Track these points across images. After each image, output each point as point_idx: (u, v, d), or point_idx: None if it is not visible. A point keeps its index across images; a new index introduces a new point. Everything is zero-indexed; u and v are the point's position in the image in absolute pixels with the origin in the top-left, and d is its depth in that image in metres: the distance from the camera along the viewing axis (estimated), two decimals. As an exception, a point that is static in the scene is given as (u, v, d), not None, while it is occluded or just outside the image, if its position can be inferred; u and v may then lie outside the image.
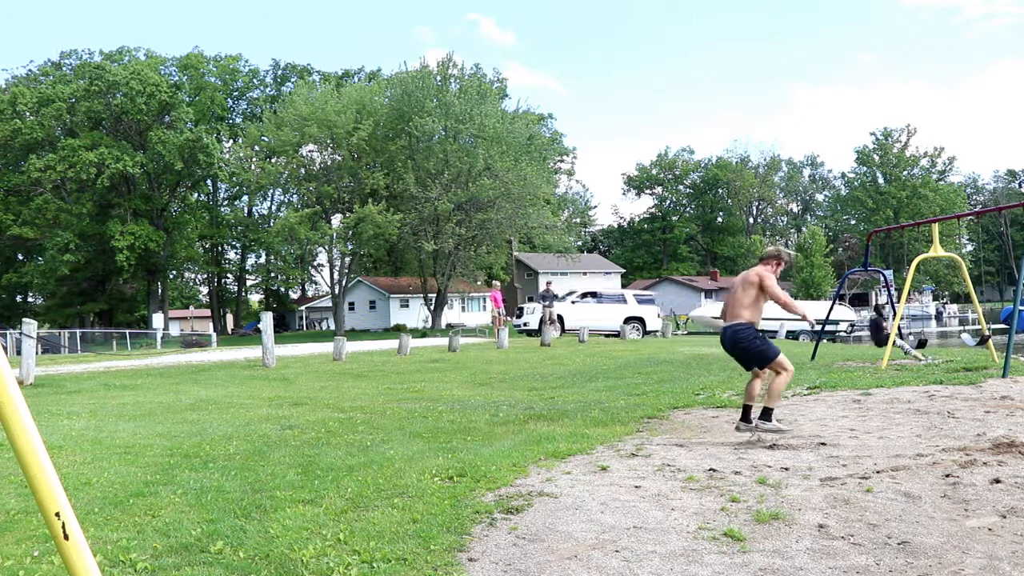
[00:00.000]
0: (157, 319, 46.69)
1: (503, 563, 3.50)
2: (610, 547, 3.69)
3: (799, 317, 6.53)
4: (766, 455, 5.72)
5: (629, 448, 6.12)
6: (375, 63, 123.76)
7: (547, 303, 24.47)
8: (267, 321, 15.83)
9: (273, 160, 47.28)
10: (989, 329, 12.45)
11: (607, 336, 26.01)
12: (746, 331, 6.31)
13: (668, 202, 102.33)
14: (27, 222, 48.92)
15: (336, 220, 45.80)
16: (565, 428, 7.16)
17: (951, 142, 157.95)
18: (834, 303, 16.29)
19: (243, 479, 5.23)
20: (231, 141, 59.68)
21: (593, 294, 30.19)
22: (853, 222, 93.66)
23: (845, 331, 29.34)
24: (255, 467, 5.63)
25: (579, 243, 78.83)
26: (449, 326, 45.42)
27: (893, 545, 3.62)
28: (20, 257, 55.92)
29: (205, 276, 68.31)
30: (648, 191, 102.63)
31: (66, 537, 1.91)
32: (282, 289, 71.73)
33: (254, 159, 52.24)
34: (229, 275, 67.53)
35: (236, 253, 66.23)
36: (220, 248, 64.55)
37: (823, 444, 6.05)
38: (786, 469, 5.22)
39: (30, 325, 13.55)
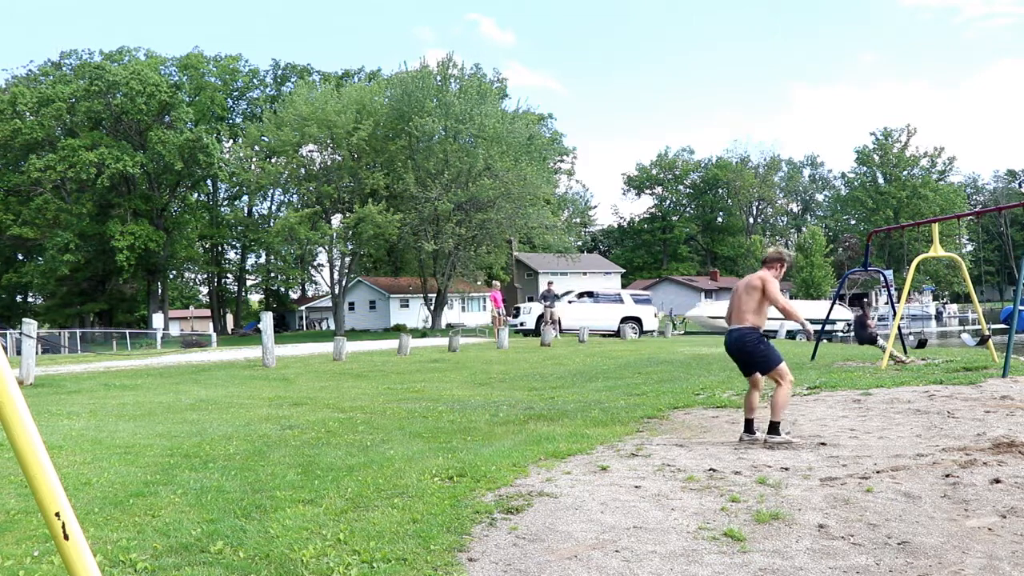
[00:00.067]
0: (157, 319, 46.69)
1: (503, 563, 3.50)
2: (610, 547, 3.69)
3: (798, 324, 6.53)
4: (766, 455, 5.72)
5: (629, 448, 6.12)
6: (375, 63, 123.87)
7: (548, 303, 24.44)
8: (267, 321, 15.83)
9: (273, 160, 47.29)
10: (989, 329, 12.45)
11: (604, 336, 25.99)
12: (751, 336, 6.31)
13: (668, 202, 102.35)
14: (27, 222, 48.93)
15: (336, 220, 45.81)
16: (565, 428, 7.16)
17: (951, 142, 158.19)
18: (834, 303, 16.30)
19: (243, 479, 5.23)
20: (231, 141, 59.69)
21: (590, 294, 30.16)
22: (853, 222, 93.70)
23: (842, 331, 29.36)
24: (255, 467, 5.63)
25: (579, 243, 78.83)
26: (449, 326, 45.42)
27: (893, 545, 3.62)
28: (20, 257, 55.93)
29: (205, 276, 68.34)
30: (648, 191, 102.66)
31: (66, 537, 1.91)
32: (282, 289, 71.74)
33: (254, 159, 52.25)
34: (229, 275, 67.56)
35: (236, 253, 66.27)
36: (220, 248, 64.57)
37: (823, 444, 6.05)
38: (786, 469, 5.22)
39: (30, 325, 13.55)
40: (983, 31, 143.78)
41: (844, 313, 28.60)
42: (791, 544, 3.67)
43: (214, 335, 44.13)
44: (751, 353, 6.34)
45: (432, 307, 46.75)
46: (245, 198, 62.59)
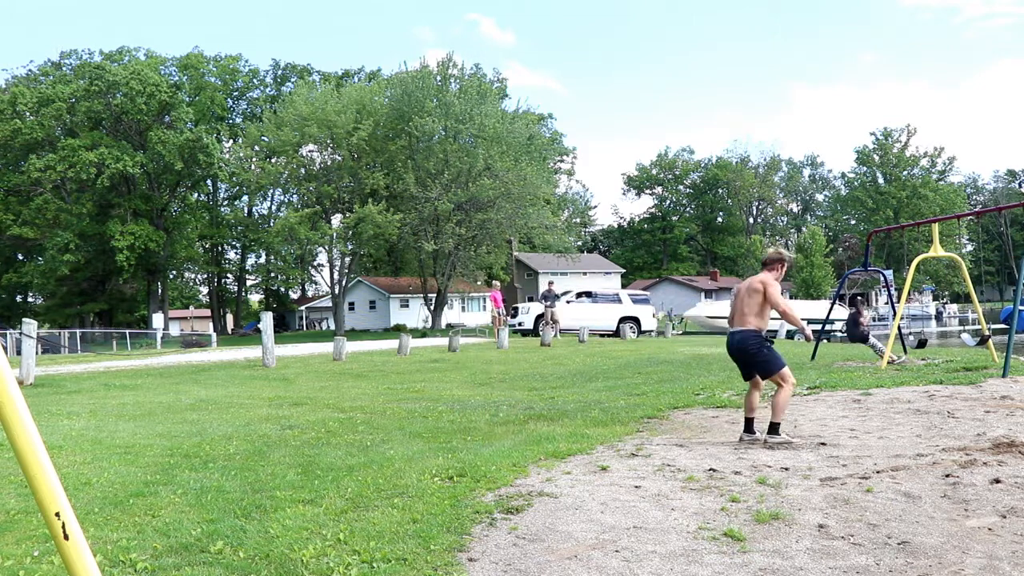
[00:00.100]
0: (157, 319, 46.70)
1: (503, 563, 3.50)
2: (610, 547, 3.69)
3: (798, 328, 6.53)
4: (766, 455, 5.72)
5: (629, 448, 6.12)
6: (375, 63, 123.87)
7: (549, 303, 24.43)
8: (267, 321, 15.83)
9: (273, 160, 47.29)
10: (989, 329, 12.45)
11: (602, 336, 25.98)
12: (754, 339, 6.31)
13: (668, 202, 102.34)
14: (27, 222, 48.93)
15: (336, 220, 45.81)
16: (565, 428, 7.16)
17: (951, 142, 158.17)
18: (834, 303, 16.30)
19: (243, 479, 5.23)
20: (231, 141, 59.70)
21: (588, 294, 30.11)
22: (853, 222, 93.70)
23: (841, 331, 29.38)
24: (255, 467, 5.63)
25: (579, 243, 78.82)
26: (449, 326, 45.42)
27: (893, 545, 3.62)
28: (20, 257, 55.93)
29: (205, 276, 68.34)
30: (648, 191, 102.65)
31: (66, 537, 1.91)
32: (282, 289, 71.74)
33: (254, 159, 52.26)
34: (229, 275, 67.55)
35: (236, 253, 66.27)
36: (220, 248, 64.57)
37: (823, 444, 6.05)
38: (786, 469, 5.22)
39: (30, 325, 13.55)
40: (983, 31, 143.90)
41: (844, 313, 28.62)
42: (791, 544, 3.67)
43: (214, 335, 44.13)
44: (753, 356, 6.33)
45: (432, 307, 46.75)
46: (245, 198, 62.63)
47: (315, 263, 61.43)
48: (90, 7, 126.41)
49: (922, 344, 13.95)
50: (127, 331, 44.11)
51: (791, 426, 6.82)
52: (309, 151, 45.72)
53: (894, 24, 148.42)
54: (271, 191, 58.18)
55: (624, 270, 78.25)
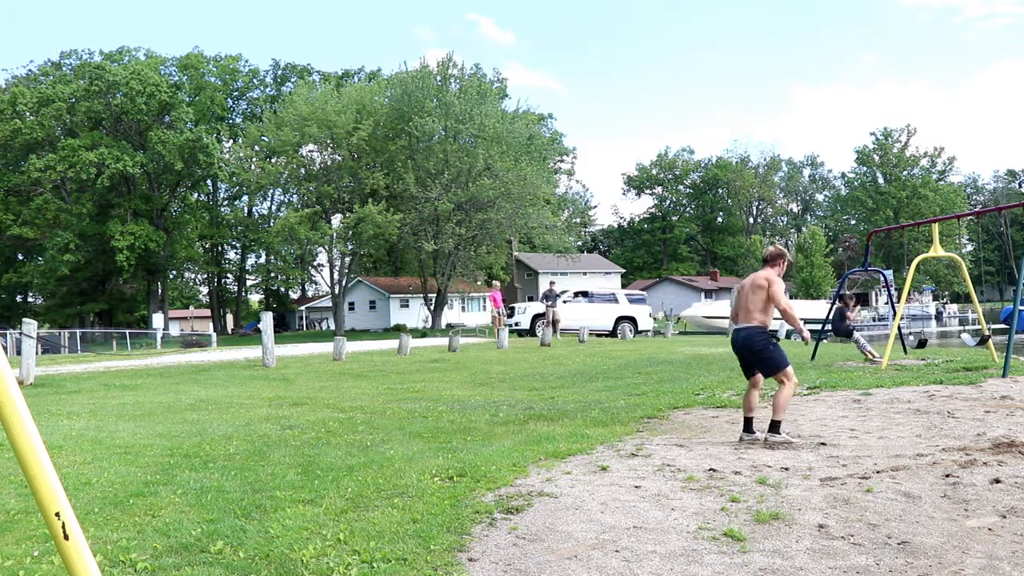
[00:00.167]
0: (157, 319, 46.69)
1: (503, 563, 3.50)
2: (610, 547, 3.69)
3: (795, 329, 6.53)
4: (766, 455, 5.72)
5: (629, 448, 6.12)
6: (375, 63, 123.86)
7: (550, 303, 24.43)
8: (267, 321, 15.83)
9: (273, 160, 47.30)
10: (989, 329, 12.45)
11: (598, 335, 25.97)
12: (759, 335, 6.32)
13: (668, 202, 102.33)
14: (27, 222, 48.93)
15: (336, 220, 45.81)
16: (565, 428, 7.16)
17: (951, 142, 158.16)
18: (834, 303, 16.29)
19: (243, 479, 5.23)
20: (231, 141, 59.71)
21: (584, 293, 30.08)
22: (853, 222, 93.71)
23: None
24: (255, 467, 5.63)
25: (579, 243, 78.82)
26: (449, 326, 45.42)
27: (893, 545, 3.62)
28: (20, 257, 55.93)
29: (205, 276, 68.35)
30: (648, 191, 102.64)
31: (66, 537, 1.91)
32: (282, 289, 71.74)
33: (254, 159, 52.26)
34: (229, 275, 67.56)
35: (236, 253, 66.28)
36: (220, 248, 64.57)
37: (823, 444, 6.05)
38: (786, 469, 5.22)
39: (30, 325, 13.55)
40: (983, 31, 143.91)
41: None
42: (791, 544, 3.67)
43: (214, 335, 44.13)
44: (759, 353, 6.33)
45: (432, 307, 46.76)
46: (245, 198, 62.64)
47: (315, 263, 61.51)
48: (90, 7, 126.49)
49: (922, 344, 13.96)
50: (127, 331, 44.12)
51: (791, 426, 6.81)
52: (309, 151, 45.75)
53: (894, 24, 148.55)
54: (271, 191, 58.20)
55: (624, 270, 78.25)
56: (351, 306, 55.75)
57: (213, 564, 3.51)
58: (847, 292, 14.26)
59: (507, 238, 48.18)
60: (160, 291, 57.39)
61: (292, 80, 61.77)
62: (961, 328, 38.95)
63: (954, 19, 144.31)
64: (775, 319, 6.80)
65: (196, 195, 59.95)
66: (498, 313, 24.20)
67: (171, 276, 61.26)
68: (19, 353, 16.60)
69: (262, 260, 65.54)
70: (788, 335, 26.93)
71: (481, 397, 9.92)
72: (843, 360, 13.16)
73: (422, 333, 37.14)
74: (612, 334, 27.04)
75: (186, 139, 49.63)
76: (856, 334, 13.33)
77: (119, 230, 48.21)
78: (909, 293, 20.15)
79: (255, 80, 65.34)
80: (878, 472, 5.01)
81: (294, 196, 51.40)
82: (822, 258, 68.76)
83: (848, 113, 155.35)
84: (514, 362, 15.44)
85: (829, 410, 7.77)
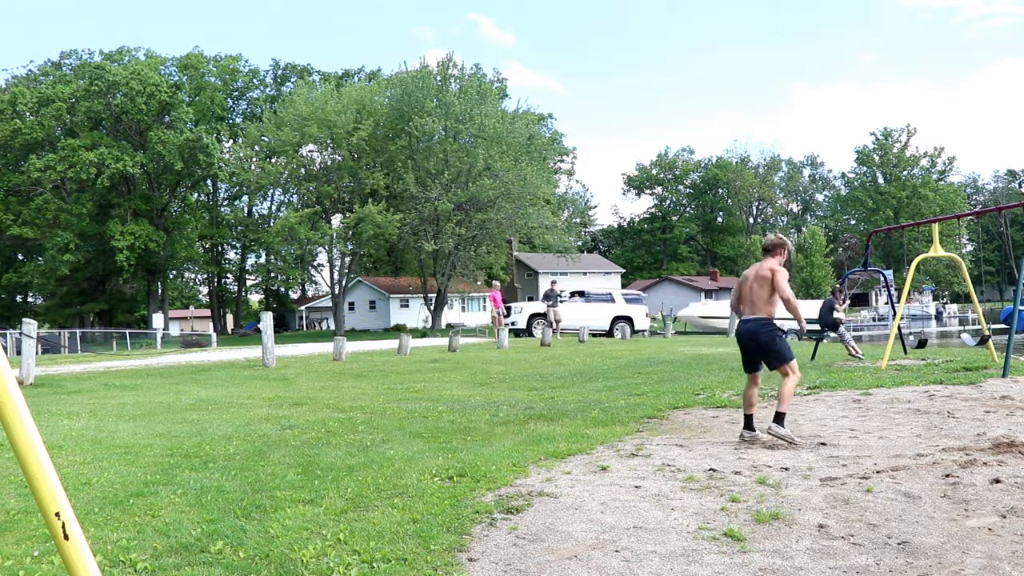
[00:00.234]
0: (157, 319, 46.70)
1: (503, 563, 3.50)
2: (610, 547, 3.69)
3: (795, 319, 6.55)
4: (766, 455, 5.72)
5: (629, 448, 6.11)
6: (375, 63, 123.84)
7: (551, 303, 24.45)
8: (267, 321, 15.83)
9: (273, 160, 47.30)
10: (989, 329, 12.45)
11: (594, 335, 25.96)
12: (768, 327, 6.31)
13: (668, 202, 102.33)
14: (27, 222, 48.93)
15: (336, 220, 45.82)
16: (565, 428, 7.16)
17: (951, 142, 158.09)
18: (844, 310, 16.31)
19: (243, 479, 5.23)
20: (231, 141, 59.71)
21: (581, 293, 30.04)
22: (853, 222, 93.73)
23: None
24: (255, 467, 5.63)
25: (579, 243, 78.83)
26: (449, 326, 45.42)
27: (893, 545, 3.62)
28: (20, 257, 55.93)
29: (205, 276, 68.35)
30: (648, 191, 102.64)
31: (66, 537, 1.91)
32: (282, 289, 71.75)
33: (254, 159, 52.27)
34: (229, 275, 67.56)
35: (236, 253, 66.28)
36: (220, 248, 64.58)
37: (823, 444, 6.05)
38: (786, 469, 5.22)
39: (30, 325, 13.55)
40: (983, 31, 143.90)
41: (840, 313, 28.60)
42: (791, 544, 3.67)
43: (214, 335, 44.13)
44: (766, 346, 6.31)
45: (432, 307, 46.76)
46: (245, 198, 62.64)
47: (315, 263, 61.52)
48: (90, 7, 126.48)
49: (922, 344, 13.97)
50: (127, 331, 44.12)
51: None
52: (309, 151, 45.76)
53: (894, 24, 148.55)
54: (271, 191, 58.21)
55: (624, 270, 78.26)
56: (351, 306, 55.75)
57: (213, 564, 3.51)
58: (838, 285, 14.43)
59: (507, 238, 48.19)
60: (160, 291, 57.40)
61: (292, 80, 61.77)
62: (961, 328, 38.96)
63: (954, 19, 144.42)
64: (786, 319, 6.82)
65: (196, 195, 59.95)
66: (498, 313, 24.21)
67: (171, 276, 61.27)
68: (19, 353, 16.60)
69: (262, 260, 65.56)
70: (786, 333, 26.98)
71: (481, 397, 9.92)
72: (843, 360, 13.17)
73: (422, 333, 37.15)
74: (608, 334, 27.02)
75: (186, 139, 49.64)
76: (841, 328, 13.49)
77: (119, 230, 48.21)
78: (909, 293, 20.15)
79: (255, 80, 65.35)
80: (878, 472, 5.01)
81: (294, 196, 51.42)
82: (822, 258, 68.80)
83: (848, 113, 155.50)
84: (514, 362, 15.44)
85: (829, 410, 7.77)
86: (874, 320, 44.17)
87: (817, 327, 14.06)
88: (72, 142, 47.48)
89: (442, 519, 4.13)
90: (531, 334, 26.36)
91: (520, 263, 62.97)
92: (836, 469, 5.16)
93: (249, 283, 69.68)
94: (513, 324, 27.66)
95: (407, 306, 54.93)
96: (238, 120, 64.00)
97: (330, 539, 3.82)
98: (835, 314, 13.65)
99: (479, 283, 51.71)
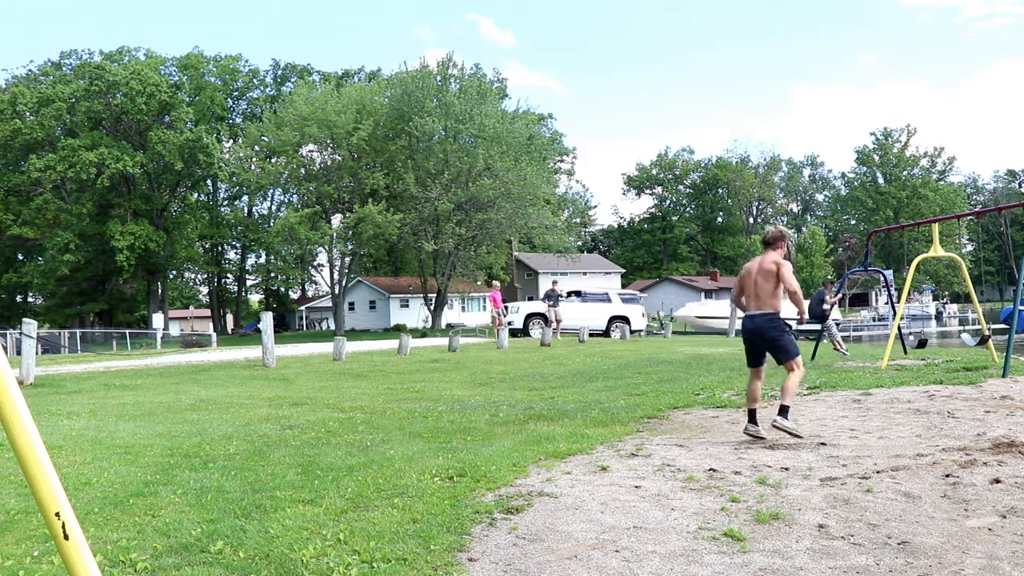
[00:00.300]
0: (157, 319, 46.70)
1: (503, 563, 3.50)
2: (610, 547, 3.69)
3: (798, 312, 6.56)
4: (766, 455, 5.72)
5: (629, 448, 6.11)
6: (375, 63, 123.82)
7: (552, 303, 24.48)
8: (267, 321, 15.83)
9: (273, 160, 47.29)
10: (989, 329, 12.46)
11: (591, 335, 25.94)
12: (777, 322, 6.31)
13: (668, 202, 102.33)
14: (27, 222, 48.93)
15: (336, 220, 45.81)
16: (565, 428, 7.16)
17: (951, 142, 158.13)
18: (834, 304, 16.30)
19: (243, 479, 5.23)
20: (231, 141, 59.71)
21: (577, 293, 30.03)
22: (853, 222, 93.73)
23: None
24: (255, 467, 5.63)
25: (579, 243, 78.82)
26: (449, 326, 45.42)
27: (893, 545, 3.62)
28: (20, 257, 55.93)
29: (205, 276, 68.35)
30: (648, 191, 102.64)
31: (66, 537, 1.91)
32: (282, 289, 71.74)
33: (254, 159, 52.26)
34: (229, 275, 67.56)
35: (236, 253, 66.28)
36: (220, 248, 64.58)
37: (823, 444, 6.05)
38: (786, 469, 5.22)
39: (30, 325, 13.55)
40: (983, 31, 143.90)
41: (838, 314, 28.68)
42: (791, 544, 3.67)
43: (214, 335, 44.13)
44: (774, 340, 6.30)
45: (432, 307, 46.75)
46: (245, 198, 62.64)
47: (315, 263, 61.49)
48: (90, 7, 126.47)
49: (922, 344, 13.98)
50: (127, 331, 44.11)
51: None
52: (309, 151, 45.74)
53: (894, 24, 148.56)
54: (271, 191, 58.20)
55: (624, 270, 78.25)
56: (351, 306, 55.75)
57: (213, 564, 3.51)
58: (830, 278, 14.61)
59: (507, 238, 48.18)
60: (160, 291, 57.39)
61: (292, 80, 61.76)
62: (961, 328, 38.95)
63: (954, 19, 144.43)
64: (791, 318, 6.85)
65: (196, 195, 59.95)
66: (498, 313, 24.22)
67: (171, 276, 61.27)
68: (19, 353, 16.60)
69: (262, 260, 65.56)
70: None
71: (481, 397, 9.92)
72: (843, 360, 13.17)
73: (422, 333, 37.14)
74: (605, 334, 27.03)
75: (186, 139, 49.63)
76: (829, 321, 13.58)
77: (119, 230, 48.21)
78: (909, 293, 20.16)
79: (255, 80, 65.35)
80: (878, 472, 5.01)
81: (294, 196, 51.41)
82: (822, 258, 68.80)
83: (848, 113, 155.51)
84: (514, 362, 15.44)
85: (829, 410, 7.77)
86: (874, 320, 44.15)
87: (817, 326, 14.12)
88: (72, 142, 47.47)
89: (442, 519, 4.13)
90: (527, 333, 26.35)
91: (520, 263, 62.97)
92: (836, 469, 5.16)
93: (249, 283, 69.70)
94: (510, 324, 27.66)
95: (407, 306, 54.93)
96: (238, 120, 64.00)
97: (330, 539, 3.82)
98: (824, 306, 13.74)
99: (479, 283, 51.70)
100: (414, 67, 46.51)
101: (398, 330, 37.25)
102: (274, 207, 63.37)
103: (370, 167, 43.95)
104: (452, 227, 40.98)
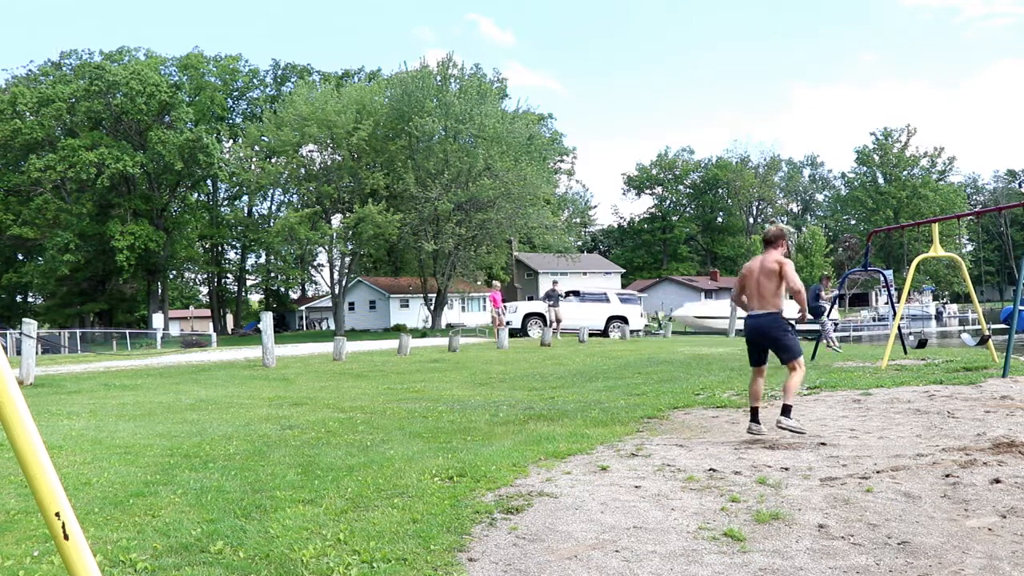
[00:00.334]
0: (157, 319, 46.70)
1: (503, 563, 3.50)
2: (610, 547, 3.69)
3: (799, 310, 6.56)
4: (766, 455, 5.72)
5: (629, 448, 6.11)
6: (375, 63, 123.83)
7: (552, 303, 24.49)
8: (267, 321, 15.83)
9: (273, 160, 47.30)
10: (989, 329, 12.45)
11: (592, 335, 25.94)
12: (780, 321, 6.32)
13: (668, 202, 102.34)
14: (27, 222, 48.94)
15: (336, 220, 45.81)
16: (565, 428, 7.16)
17: (951, 142, 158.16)
18: (833, 303, 16.30)
19: (243, 479, 5.22)
20: (231, 141, 59.72)
21: (575, 293, 30.02)
22: (853, 222, 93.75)
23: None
24: (255, 467, 5.63)
25: (579, 243, 78.83)
26: (449, 326, 45.42)
27: (893, 545, 3.62)
28: (20, 257, 55.94)
29: (205, 276, 68.36)
30: (648, 191, 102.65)
31: (66, 537, 1.91)
32: (282, 289, 71.75)
33: (254, 159, 52.27)
34: (229, 275, 67.58)
35: (236, 253, 66.30)
36: (220, 248, 64.59)
37: (823, 444, 6.05)
38: (786, 469, 5.22)
39: (30, 325, 13.55)
40: (983, 31, 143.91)
41: (836, 314, 28.68)
42: (791, 544, 3.67)
43: (214, 335, 44.13)
44: (778, 339, 6.31)
45: (432, 307, 46.75)
46: (245, 198, 62.66)
47: (315, 263, 61.51)
48: (90, 7, 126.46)
49: (922, 344, 13.97)
50: (127, 331, 44.11)
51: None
52: (309, 151, 45.75)
53: (894, 24, 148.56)
54: (271, 191, 58.22)
55: (624, 270, 78.25)
56: (351, 306, 55.74)
57: (213, 564, 3.51)
58: (826, 274, 14.66)
59: (507, 238, 48.18)
60: (160, 291, 57.40)
61: (292, 80, 61.78)
62: (961, 328, 38.95)
63: (954, 19, 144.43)
64: (792, 318, 6.84)
65: (196, 195, 59.96)
66: (498, 313, 24.23)
67: (171, 276, 61.28)
68: (19, 353, 16.60)
69: (262, 260, 65.57)
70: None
71: (481, 397, 9.92)
72: (843, 360, 13.17)
73: (422, 333, 37.14)
74: (603, 333, 27.03)
75: (186, 139, 49.64)
76: (824, 317, 13.59)
77: (119, 230, 48.22)
78: (909, 293, 20.17)
79: (255, 80, 65.37)
80: (878, 472, 5.01)
81: (294, 196, 51.41)
82: (822, 258, 68.80)
83: (848, 113, 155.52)
84: (514, 362, 15.44)
85: (829, 410, 7.76)
86: (874, 320, 44.14)
87: (817, 325, 14.14)
88: (72, 142, 47.48)
89: (442, 519, 4.13)
90: (526, 333, 26.34)
91: (520, 263, 62.96)
92: (836, 469, 5.16)
93: (249, 283, 69.71)
94: (508, 324, 27.66)
95: (407, 306, 54.93)
96: (238, 120, 64.01)
97: (330, 539, 3.82)
98: (820, 301, 13.79)
99: (479, 283, 51.71)
100: (414, 67, 46.57)
101: (398, 330, 37.25)
102: (274, 207, 63.43)
103: (370, 167, 43.95)
104: (452, 227, 40.98)
